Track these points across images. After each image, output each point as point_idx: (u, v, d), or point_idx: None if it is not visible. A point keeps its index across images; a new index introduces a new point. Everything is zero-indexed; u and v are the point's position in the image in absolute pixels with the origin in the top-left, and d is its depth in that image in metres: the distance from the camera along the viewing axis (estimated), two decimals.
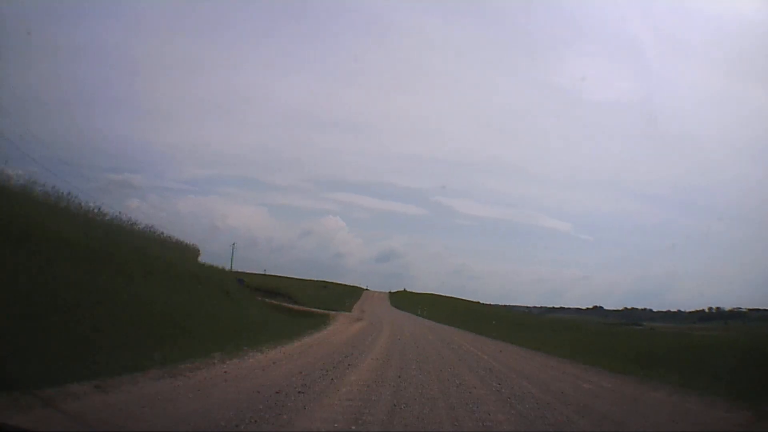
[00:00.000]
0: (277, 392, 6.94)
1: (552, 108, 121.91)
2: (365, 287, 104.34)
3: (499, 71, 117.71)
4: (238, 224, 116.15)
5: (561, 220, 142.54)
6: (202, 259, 28.23)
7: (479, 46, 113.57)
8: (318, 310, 36.95)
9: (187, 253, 26.30)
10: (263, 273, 75.56)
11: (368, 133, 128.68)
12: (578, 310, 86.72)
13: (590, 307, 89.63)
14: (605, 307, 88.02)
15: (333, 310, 38.98)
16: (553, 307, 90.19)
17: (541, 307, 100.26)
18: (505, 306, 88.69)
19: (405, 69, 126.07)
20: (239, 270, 61.01)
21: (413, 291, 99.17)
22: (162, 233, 23.47)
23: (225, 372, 8.25)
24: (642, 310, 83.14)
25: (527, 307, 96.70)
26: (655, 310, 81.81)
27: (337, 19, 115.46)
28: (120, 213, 20.14)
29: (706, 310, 68.01)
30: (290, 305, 38.48)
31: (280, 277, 74.69)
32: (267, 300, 33.07)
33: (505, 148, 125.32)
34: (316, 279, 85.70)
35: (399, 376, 9.41)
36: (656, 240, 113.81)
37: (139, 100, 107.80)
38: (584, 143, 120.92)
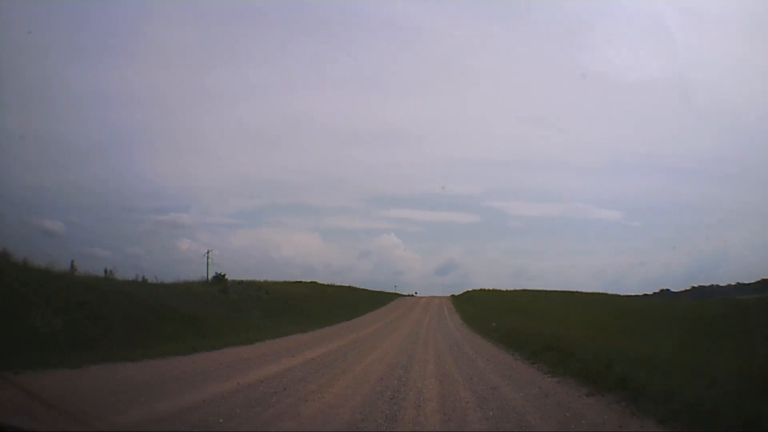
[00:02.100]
0: None
1: (590, 95, 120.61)
2: (412, 293, 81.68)
3: (535, 65, 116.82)
4: (293, 253, 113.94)
5: (610, 209, 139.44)
6: None
7: (511, 41, 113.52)
8: None
9: None
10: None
11: (412, 143, 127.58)
12: (645, 296, 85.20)
13: (657, 291, 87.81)
14: (672, 290, 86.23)
15: None
16: (618, 296, 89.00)
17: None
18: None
19: (441, 73, 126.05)
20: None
21: (496, 288, 66.01)
22: None
23: None
24: (710, 286, 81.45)
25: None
26: (722, 284, 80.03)
27: (368, 29, 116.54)
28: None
29: None
30: None
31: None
32: None
33: (549, 143, 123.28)
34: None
35: None
36: (703, 215, 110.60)
37: (176, 137, 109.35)
38: (624, 127, 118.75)
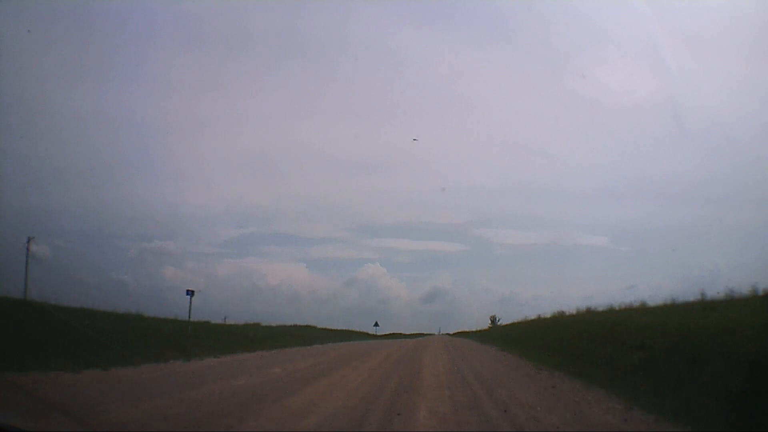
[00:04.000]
0: None
1: (578, 120, 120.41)
2: (370, 331, 63.76)
3: (522, 90, 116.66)
4: (279, 282, 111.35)
5: (598, 235, 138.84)
6: None
7: (498, 66, 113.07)
8: None
9: None
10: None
11: (399, 172, 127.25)
12: None
13: None
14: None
15: None
16: None
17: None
18: None
19: (427, 100, 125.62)
20: None
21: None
22: None
23: None
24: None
25: None
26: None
27: (359, 59, 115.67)
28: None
29: None
30: None
31: None
32: None
33: (537, 169, 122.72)
34: None
35: None
36: (693, 238, 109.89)
37: (164, 165, 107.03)
38: (613, 152, 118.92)
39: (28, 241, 47.46)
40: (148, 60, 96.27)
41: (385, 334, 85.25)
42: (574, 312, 26.59)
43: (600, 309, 24.00)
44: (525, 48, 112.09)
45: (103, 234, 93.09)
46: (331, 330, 56.61)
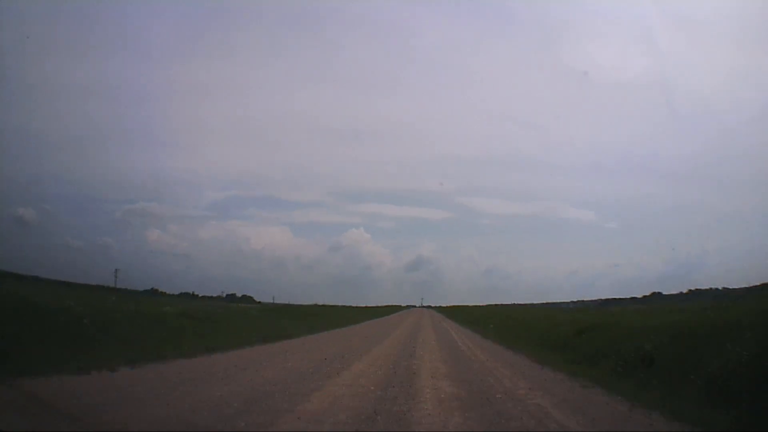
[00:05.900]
0: None
1: (569, 95, 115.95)
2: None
3: (516, 63, 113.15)
4: (263, 246, 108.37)
5: (585, 209, 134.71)
6: None
7: (493, 40, 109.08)
8: None
9: None
10: None
11: (386, 140, 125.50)
12: (634, 299, 74.89)
13: (647, 294, 77.63)
14: (664, 293, 76.09)
15: None
16: (605, 299, 78.61)
17: (579, 300, 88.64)
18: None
19: (419, 71, 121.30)
20: None
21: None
22: None
23: None
24: (708, 290, 71.44)
25: (567, 302, 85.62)
26: (720, 288, 70.27)
27: (347, 27, 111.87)
28: None
29: None
30: None
31: None
32: None
33: (525, 141, 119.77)
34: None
35: None
36: (680, 219, 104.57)
37: (151, 129, 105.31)
38: (603, 128, 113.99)
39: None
40: (137, 29, 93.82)
41: (334, 307, 56.15)
42: None
43: None
44: (516, 21, 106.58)
45: (91, 198, 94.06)
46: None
